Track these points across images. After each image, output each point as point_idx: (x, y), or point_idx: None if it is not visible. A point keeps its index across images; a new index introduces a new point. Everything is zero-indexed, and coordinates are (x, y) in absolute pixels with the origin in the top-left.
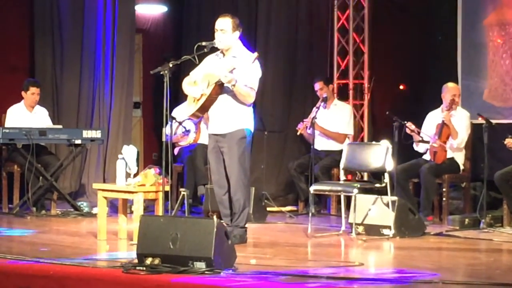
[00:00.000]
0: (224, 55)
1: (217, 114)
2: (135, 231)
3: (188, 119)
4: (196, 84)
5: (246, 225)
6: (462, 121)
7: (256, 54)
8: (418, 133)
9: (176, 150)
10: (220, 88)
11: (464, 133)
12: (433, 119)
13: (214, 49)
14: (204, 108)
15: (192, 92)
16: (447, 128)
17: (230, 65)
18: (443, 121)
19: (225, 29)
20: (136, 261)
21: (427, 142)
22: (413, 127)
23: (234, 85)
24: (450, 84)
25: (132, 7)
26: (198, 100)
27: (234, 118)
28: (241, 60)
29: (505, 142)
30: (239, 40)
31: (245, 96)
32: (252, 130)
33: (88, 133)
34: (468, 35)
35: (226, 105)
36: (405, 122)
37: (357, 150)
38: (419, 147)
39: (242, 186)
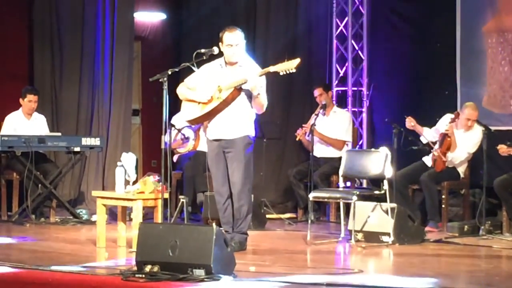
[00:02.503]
0: (226, 64)
1: (223, 119)
2: (134, 239)
3: (188, 126)
4: (195, 90)
5: (248, 232)
6: (470, 141)
7: (293, 64)
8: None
9: (175, 158)
10: (238, 93)
11: (464, 152)
12: (446, 122)
13: (212, 56)
14: (212, 113)
15: (197, 97)
16: (448, 139)
17: (262, 70)
18: (446, 132)
19: (240, 43)
20: (135, 268)
21: (427, 145)
22: (411, 124)
23: (258, 94)
24: (469, 110)
25: (131, 14)
26: (206, 104)
27: (241, 123)
28: (248, 69)
29: (498, 148)
30: None
31: (263, 107)
32: (254, 136)
33: (87, 141)
34: (467, 42)
35: (233, 111)
36: (405, 116)
37: (356, 157)
38: (426, 134)
39: (247, 192)
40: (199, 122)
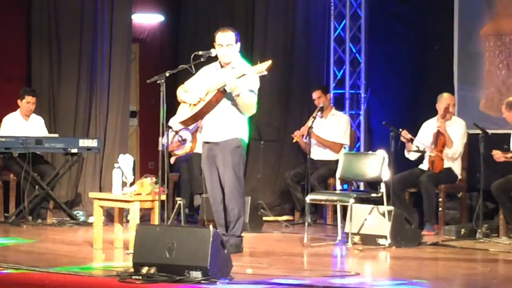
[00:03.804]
0: (222, 66)
1: (211, 121)
2: (131, 240)
3: (184, 128)
4: (189, 92)
5: (242, 234)
6: (457, 130)
7: (266, 63)
8: (412, 141)
9: (172, 160)
10: (222, 95)
11: (459, 143)
12: (428, 128)
13: (210, 59)
14: (199, 115)
15: (189, 99)
16: (442, 137)
17: (240, 71)
18: (438, 130)
19: (231, 43)
20: (132, 270)
21: (423, 152)
22: (408, 136)
23: (238, 95)
24: (445, 94)
25: (129, 16)
26: (194, 106)
27: (229, 126)
28: (237, 70)
29: (493, 153)
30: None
31: (248, 107)
32: (247, 139)
33: (84, 142)
34: (464, 45)
35: (221, 113)
36: (400, 130)
37: (354, 160)
38: (410, 155)
39: (237, 195)
40: (188, 124)
